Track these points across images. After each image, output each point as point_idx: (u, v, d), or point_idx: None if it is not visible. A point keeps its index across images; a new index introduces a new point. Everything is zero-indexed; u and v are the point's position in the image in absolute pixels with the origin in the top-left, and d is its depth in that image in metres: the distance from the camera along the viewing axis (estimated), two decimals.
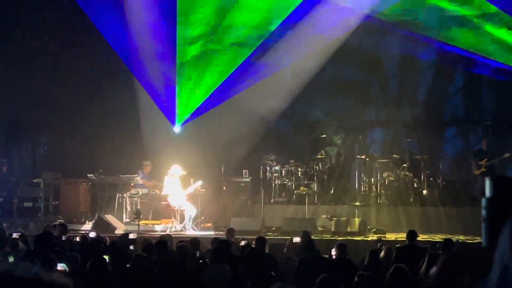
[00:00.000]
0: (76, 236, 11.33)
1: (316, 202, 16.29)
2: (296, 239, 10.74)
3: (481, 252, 1.54)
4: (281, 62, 17.91)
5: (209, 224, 15.52)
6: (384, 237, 13.64)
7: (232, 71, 17.58)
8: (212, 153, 16.79)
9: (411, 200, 15.97)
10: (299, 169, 16.71)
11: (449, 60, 18.19)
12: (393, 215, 15.27)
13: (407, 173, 16.21)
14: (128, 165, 16.76)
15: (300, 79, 17.93)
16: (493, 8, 16.15)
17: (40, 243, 8.66)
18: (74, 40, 17.91)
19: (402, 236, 12.81)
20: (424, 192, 16.10)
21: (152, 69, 17.68)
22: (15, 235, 10.95)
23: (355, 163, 17.44)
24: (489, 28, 16.72)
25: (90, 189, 16.64)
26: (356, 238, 13.38)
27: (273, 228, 14.43)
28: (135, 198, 16.02)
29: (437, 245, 10.60)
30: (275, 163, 16.98)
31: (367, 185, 16.50)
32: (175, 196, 14.92)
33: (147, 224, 15.11)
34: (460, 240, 12.19)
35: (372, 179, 16.51)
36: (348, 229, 13.97)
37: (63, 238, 10.49)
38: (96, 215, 15.42)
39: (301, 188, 16.32)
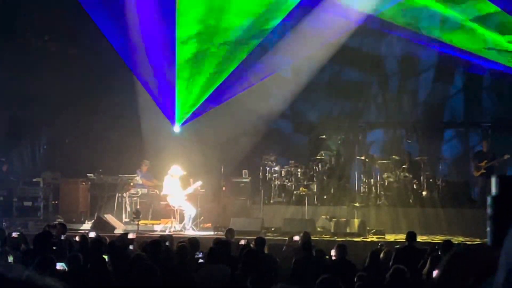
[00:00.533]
0: (75, 236, 11.31)
1: (316, 202, 16.29)
2: (297, 238, 10.73)
3: (486, 250, 1.54)
4: (281, 62, 17.92)
5: (209, 224, 15.52)
6: (384, 238, 13.65)
7: (231, 71, 17.58)
8: (212, 153, 16.79)
9: (411, 201, 15.98)
10: (299, 170, 16.70)
11: (449, 62, 18.21)
12: (393, 216, 15.27)
13: (406, 174, 16.21)
14: (127, 165, 16.75)
15: (300, 79, 17.94)
16: (494, 9, 16.15)
17: (39, 243, 8.65)
18: (75, 40, 17.92)
19: (401, 237, 12.80)
20: (424, 193, 16.10)
21: (152, 68, 17.69)
22: (14, 235, 10.94)
23: (354, 164, 17.45)
24: (488, 30, 16.73)
25: (89, 189, 16.63)
26: (355, 239, 13.37)
27: (273, 229, 14.42)
28: (135, 198, 16.02)
29: (437, 247, 10.58)
30: (274, 164, 16.98)
31: (366, 186, 16.50)
32: (174, 196, 14.91)
33: (146, 224, 15.11)
34: (462, 242, 12.20)
35: (372, 180, 16.52)
36: (348, 230, 13.96)
37: (62, 238, 10.47)
38: (96, 215, 15.42)
39: (301, 188, 16.32)
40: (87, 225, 15.12)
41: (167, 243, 10.14)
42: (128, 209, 15.87)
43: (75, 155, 18.00)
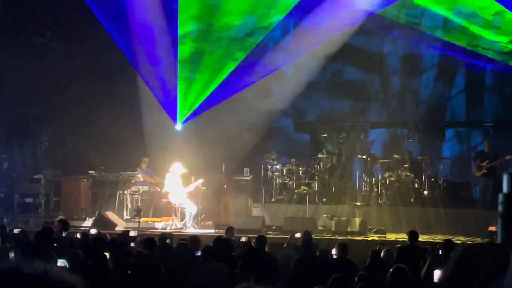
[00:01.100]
0: (76, 233, 11.31)
1: (317, 201, 16.28)
2: (298, 235, 10.72)
3: (497, 247, 1.53)
4: (283, 60, 17.90)
5: (210, 222, 15.51)
6: (385, 237, 13.64)
7: (233, 69, 17.57)
8: (213, 151, 16.77)
9: (412, 200, 15.96)
10: (300, 168, 16.69)
11: (452, 61, 18.19)
12: (394, 215, 15.26)
13: (408, 173, 16.19)
14: (129, 162, 16.75)
15: (302, 77, 17.92)
16: (499, 7, 16.13)
17: (40, 239, 8.65)
18: (77, 37, 17.89)
19: (402, 236, 12.80)
20: (425, 192, 16.08)
21: (155, 66, 17.69)
22: (15, 231, 10.96)
23: (356, 163, 17.44)
24: (489, 29, 16.71)
25: (91, 186, 16.62)
26: (356, 238, 13.36)
27: (274, 227, 14.41)
28: (136, 196, 16.02)
29: (438, 246, 10.57)
30: (276, 162, 16.98)
31: (368, 185, 16.48)
32: (175, 194, 14.91)
33: (147, 221, 15.10)
34: (463, 242, 12.18)
35: (373, 179, 16.51)
36: (349, 229, 13.95)
37: (64, 235, 10.47)
38: (97, 212, 15.42)
39: (302, 187, 16.31)
40: (88, 222, 15.12)
41: (167, 241, 10.15)
42: (129, 206, 15.86)
43: (77, 152, 18.01)
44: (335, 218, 14.41)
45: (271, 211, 15.89)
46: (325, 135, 17.82)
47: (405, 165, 16.33)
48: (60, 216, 14.72)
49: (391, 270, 6.85)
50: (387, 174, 16.29)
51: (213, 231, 14.21)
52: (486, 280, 1.43)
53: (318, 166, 16.78)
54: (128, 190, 16.03)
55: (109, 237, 10.29)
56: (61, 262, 7.41)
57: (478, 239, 13.11)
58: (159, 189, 15.76)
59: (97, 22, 16.92)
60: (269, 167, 16.93)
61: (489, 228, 13.17)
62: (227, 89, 17.59)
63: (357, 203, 15.53)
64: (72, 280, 1.36)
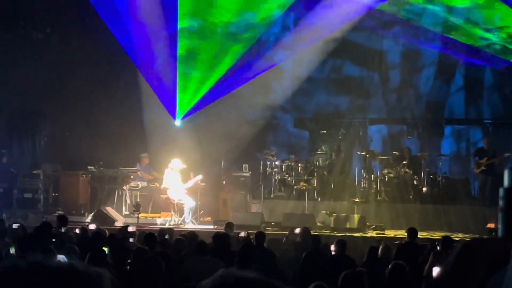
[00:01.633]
0: (75, 228, 11.32)
1: (316, 197, 16.30)
2: (297, 230, 10.72)
3: (498, 242, 1.53)
4: (282, 56, 17.90)
5: (209, 218, 15.53)
6: (383, 233, 13.65)
7: (232, 65, 17.57)
8: (213, 147, 16.77)
9: (411, 197, 15.97)
10: (299, 165, 16.70)
11: (451, 58, 18.18)
12: (393, 212, 15.27)
13: (407, 170, 16.19)
14: (128, 158, 16.74)
15: (301, 73, 17.92)
16: (499, 5, 16.13)
17: (39, 234, 8.65)
18: (77, 32, 17.88)
19: (401, 233, 12.82)
20: (424, 189, 16.08)
21: (154, 62, 17.68)
22: (15, 226, 10.96)
23: (355, 160, 17.45)
24: (490, 27, 16.72)
25: (90, 182, 16.62)
26: (355, 235, 13.37)
27: (273, 223, 14.42)
28: (135, 191, 16.02)
29: (436, 243, 10.59)
30: (275, 158, 16.98)
31: (367, 182, 16.49)
32: (174, 189, 14.91)
33: (146, 217, 15.11)
34: (462, 239, 12.19)
35: (372, 175, 16.51)
36: (347, 225, 13.97)
37: (63, 230, 10.47)
38: (96, 208, 15.42)
39: (301, 183, 16.32)
40: (87, 218, 15.13)
41: (166, 236, 10.16)
42: (128, 202, 15.87)
43: (76, 147, 17.98)
44: (334, 214, 14.42)
45: (270, 207, 15.89)
46: (324, 131, 17.82)
47: (404, 162, 16.33)
48: (59, 211, 14.72)
49: (389, 266, 6.86)
50: (386, 171, 16.29)
51: (212, 227, 14.22)
52: (487, 274, 1.44)
53: (317, 163, 16.79)
54: (127, 186, 16.03)
55: (108, 233, 10.29)
56: (60, 258, 7.41)
57: (477, 235, 13.12)
58: (158, 185, 15.76)
59: (97, 17, 16.91)
60: (268, 163, 16.94)
61: (488, 225, 13.19)
62: (226, 85, 17.60)
63: (356, 200, 15.55)
64: (98, 272, 1.37)
